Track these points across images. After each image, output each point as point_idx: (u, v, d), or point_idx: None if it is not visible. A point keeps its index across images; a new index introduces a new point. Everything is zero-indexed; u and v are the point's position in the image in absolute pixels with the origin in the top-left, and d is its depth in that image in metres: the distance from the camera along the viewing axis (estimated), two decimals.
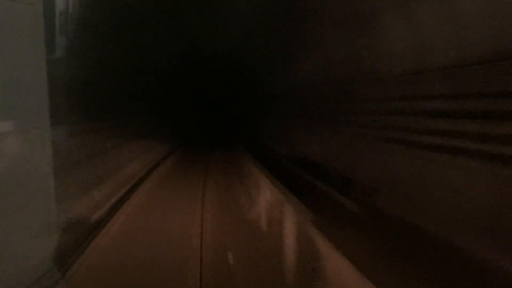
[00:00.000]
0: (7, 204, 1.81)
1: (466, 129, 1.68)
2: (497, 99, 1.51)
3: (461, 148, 1.71)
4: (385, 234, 2.21)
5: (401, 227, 2.15)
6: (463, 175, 1.70)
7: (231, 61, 8.90)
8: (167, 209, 3.61)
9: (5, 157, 1.85)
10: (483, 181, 1.58)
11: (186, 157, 7.16)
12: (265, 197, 3.70)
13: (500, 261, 1.48)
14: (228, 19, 6.39)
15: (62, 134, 2.81)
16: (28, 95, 2.05)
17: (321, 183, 3.54)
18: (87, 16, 3.47)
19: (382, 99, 2.50)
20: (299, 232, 2.65)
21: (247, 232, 3.00)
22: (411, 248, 1.98)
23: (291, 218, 2.90)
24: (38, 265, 2.04)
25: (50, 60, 2.31)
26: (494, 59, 1.52)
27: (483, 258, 1.55)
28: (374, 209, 2.47)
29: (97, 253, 2.56)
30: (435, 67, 1.91)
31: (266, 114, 7.17)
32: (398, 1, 2.11)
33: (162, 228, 3.06)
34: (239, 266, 2.36)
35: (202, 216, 3.31)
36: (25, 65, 2.06)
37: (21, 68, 2.01)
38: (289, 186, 3.51)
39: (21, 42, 2.02)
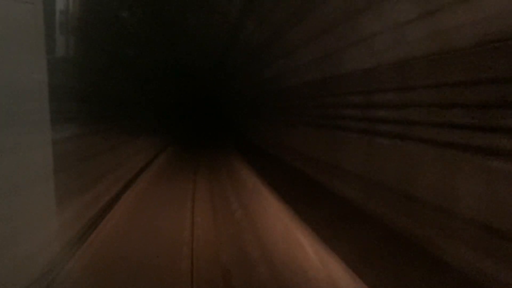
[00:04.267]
0: (8, 205, 1.80)
1: (453, 121, 1.65)
2: (483, 88, 1.48)
3: (448, 141, 1.69)
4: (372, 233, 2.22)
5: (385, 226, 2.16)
6: (450, 170, 1.67)
7: (217, 64, 9.20)
8: (170, 184, 4.61)
9: (6, 158, 1.84)
10: (473, 176, 1.54)
11: (182, 146, 8.72)
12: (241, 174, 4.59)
13: (487, 266, 1.46)
14: (214, 25, 6.71)
15: (68, 135, 2.97)
16: (29, 96, 2.05)
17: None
18: (84, 28, 3.54)
19: (368, 92, 2.51)
20: (287, 230, 2.71)
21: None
22: (396, 249, 1.97)
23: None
24: (37, 265, 2.03)
25: (50, 60, 2.31)
26: (482, 44, 1.49)
27: (473, 264, 1.53)
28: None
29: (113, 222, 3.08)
30: (419, 56, 1.89)
31: (251, 114, 7.49)
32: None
33: (163, 201, 3.89)
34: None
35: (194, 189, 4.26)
36: (26, 65, 2.06)
37: (21, 69, 2.00)
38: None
39: (21, 42, 2.02)
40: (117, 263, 2.38)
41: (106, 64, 4.35)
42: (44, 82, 2.17)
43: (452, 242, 1.63)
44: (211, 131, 10.53)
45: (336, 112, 3.05)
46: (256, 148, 6.25)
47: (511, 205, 1.36)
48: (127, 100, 5.76)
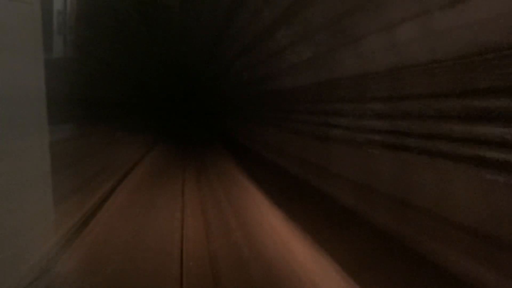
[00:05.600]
0: (6, 204, 1.81)
1: (447, 130, 1.65)
2: (473, 98, 1.49)
3: (442, 151, 1.68)
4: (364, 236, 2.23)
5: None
6: (445, 180, 1.67)
7: (202, 69, 9.56)
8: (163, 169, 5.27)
9: (5, 160, 1.85)
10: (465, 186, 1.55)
11: (171, 145, 9.17)
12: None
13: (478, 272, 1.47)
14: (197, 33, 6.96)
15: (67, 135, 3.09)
16: (27, 98, 2.05)
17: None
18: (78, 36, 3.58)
19: (354, 99, 2.51)
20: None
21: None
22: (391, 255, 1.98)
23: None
24: (36, 265, 2.04)
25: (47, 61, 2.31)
26: (470, 54, 1.49)
27: (463, 270, 1.53)
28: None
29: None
30: (409, 65, 1.88)
31: (233, 113, 7.86)
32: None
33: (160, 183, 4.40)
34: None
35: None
36: (23, 66, 2.06)
37: (18, 69, 2.01)
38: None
39: (18, 43, 2.02)
40: (108, 255, 2.41)
41: (99, 65, 4.39)
42: (42, 83, 2.17)
43: (447, 247, 1.65)
44: (199, 131, 10.60)
45: (326, 118, 3.06)
46: (248, 151, 6.27)
47: (503, 212, 1.37)
48: (119, 100, 5.86)
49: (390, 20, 2.07)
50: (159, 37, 7.47)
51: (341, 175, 2.81)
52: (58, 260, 2.32)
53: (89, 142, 4.34)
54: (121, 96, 5.91)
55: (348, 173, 2.70)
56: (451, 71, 1.60)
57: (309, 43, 3.33)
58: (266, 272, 2.24)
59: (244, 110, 7.17)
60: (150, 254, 2.46)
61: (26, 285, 1.94)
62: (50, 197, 2.13)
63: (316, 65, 3.28)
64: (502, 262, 1.39)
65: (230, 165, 5.60)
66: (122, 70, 5.79)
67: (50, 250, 2.25)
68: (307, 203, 3.22)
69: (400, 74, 1.99)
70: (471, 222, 1.53)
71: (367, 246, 2.18)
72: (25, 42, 2.07)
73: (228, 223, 3.00)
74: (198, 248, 2.61)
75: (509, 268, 1.35)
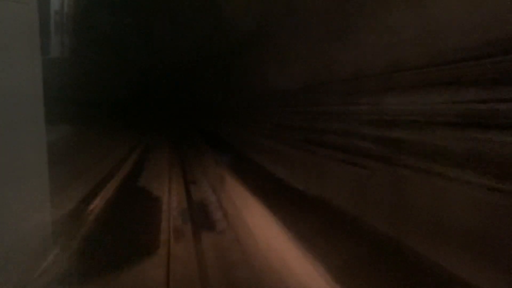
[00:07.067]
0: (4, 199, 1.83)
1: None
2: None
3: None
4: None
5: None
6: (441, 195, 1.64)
7: (193, 75, 9.65)
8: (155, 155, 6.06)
9: (4, 156, 1.87)
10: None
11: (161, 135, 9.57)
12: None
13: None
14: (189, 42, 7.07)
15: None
16: (24, 97, 2.06)
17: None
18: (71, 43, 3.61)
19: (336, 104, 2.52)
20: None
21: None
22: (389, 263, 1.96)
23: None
24: (35, 264, 2.06)
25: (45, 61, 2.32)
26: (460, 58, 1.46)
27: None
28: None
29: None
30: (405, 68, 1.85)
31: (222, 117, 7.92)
32: None
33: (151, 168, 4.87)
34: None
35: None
36: (20, 66, 2.07)
37: (16, 69, 2.02)
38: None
39: (15, 42, 2.04)
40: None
41: (95, 65, 4.43)
42: (39, 83, 2.19)
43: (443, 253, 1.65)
44: (189, 133, 10.56)
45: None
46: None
47: (495, 216, 1.36)
48: (114, 100, 5.90)
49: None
50: (153, 40, 7.52)
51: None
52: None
53: (85, 140, 4.38)
54: (115, 96, 5.95)
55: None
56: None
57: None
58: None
59: (235, 114, 7.16)
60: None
61: (25, 284, 1.95)
62: (47, 191, 2.16)
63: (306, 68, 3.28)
64: None
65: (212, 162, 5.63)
66: (117, 71, 5.83)
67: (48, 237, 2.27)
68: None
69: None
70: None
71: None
72: (22, 42, 2.08)
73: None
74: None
75: None
